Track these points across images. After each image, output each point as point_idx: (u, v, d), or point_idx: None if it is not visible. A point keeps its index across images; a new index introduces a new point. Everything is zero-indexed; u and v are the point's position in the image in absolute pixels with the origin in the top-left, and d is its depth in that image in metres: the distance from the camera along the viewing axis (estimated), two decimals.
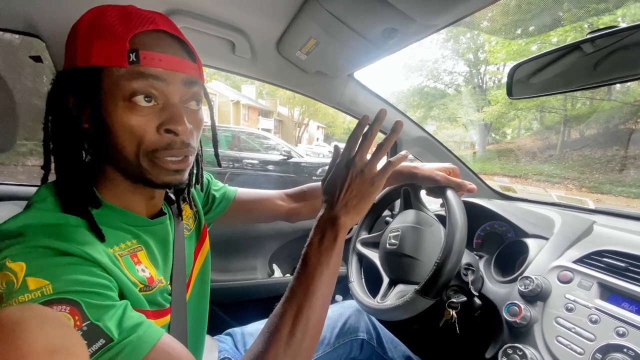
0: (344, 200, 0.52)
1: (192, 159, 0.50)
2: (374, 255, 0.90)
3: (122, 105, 0.42)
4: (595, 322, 0.57)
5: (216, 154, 0.65)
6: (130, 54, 0.41)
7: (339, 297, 1.47)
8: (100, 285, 0.38)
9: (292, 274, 1.43)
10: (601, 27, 0.67)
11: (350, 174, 0.53)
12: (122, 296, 0.41)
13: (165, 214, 0.57)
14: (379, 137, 0.56)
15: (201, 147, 0.62)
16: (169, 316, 0.52)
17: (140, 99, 0.43)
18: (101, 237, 0.43)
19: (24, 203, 0.47)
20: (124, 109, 0.42)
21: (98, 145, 0.47)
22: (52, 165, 0.47)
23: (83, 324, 0.34)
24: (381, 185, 0.54)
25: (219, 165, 0.67)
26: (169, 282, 0.53)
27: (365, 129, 0.55)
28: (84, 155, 0.48)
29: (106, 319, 0.35)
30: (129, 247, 0.47)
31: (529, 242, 0.81)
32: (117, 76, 0.42)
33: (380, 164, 0.55)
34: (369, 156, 0.55)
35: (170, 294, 0.53)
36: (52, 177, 0.48)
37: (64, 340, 0.26)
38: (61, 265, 0.36)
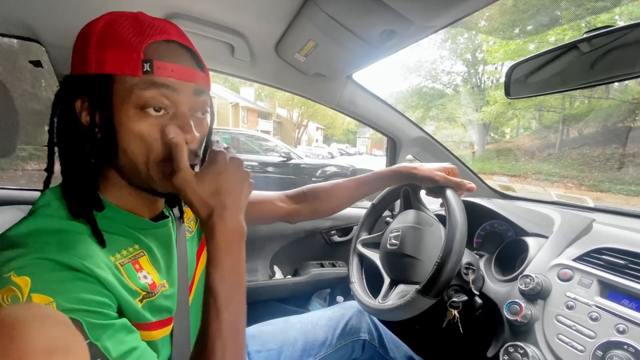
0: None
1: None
2: (374, 256, 0.90)
3: (134, 113, 0.43)
4: (595, 319, 0.58)
5: None
6: (145, 64, 0.42)
7: (340, 298, 1.47)
8: (101, 304, 0.38)
9: (293, 276, 1.44)
10: (598, 25, 0.67)
11: None
12: (120, 312, 0.42)
13: (168, 216, 0.57)
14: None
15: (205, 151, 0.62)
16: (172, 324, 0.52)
17: (151, 108, 0.44)
18: (102, 243, 0.43)
19: (25, 207, 0.48)
20: (135, 116, 0.43)
21: (105, 150, 0.47)
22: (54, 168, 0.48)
23: None
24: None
25: None
26: (172, 286, 0.53)
27: None
28: (90, 159, 0.49)
29: (104, 339, 0.36)
30: (130, 254, 0.47)
31: (529, 240, 0.81)
32: (130, 85, 0.43)
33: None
34: None
35: (172, 297, 0.53)
36: (54, 181, 0.48)
37: (63, 340, 0.26)
38: (65, 281, 0.36)
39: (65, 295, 0.35)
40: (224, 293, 0.44)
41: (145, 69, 0.42)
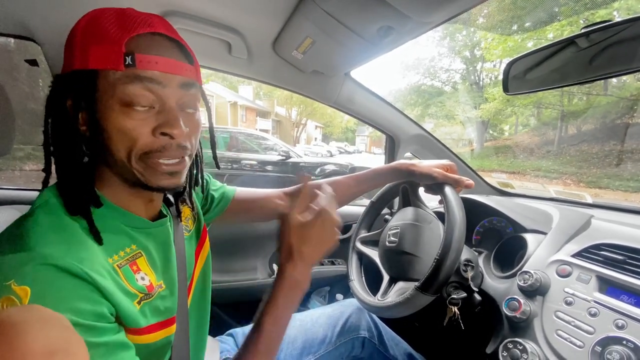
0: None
1: (188, 160, 0.50)
2: (373, 254, 0.90)
3: (118, 109, 0.42)
4: (594, 315, 0.58)
5: (214, 156, 0.65)
6: (127, 57, 0.41)
7: (339, 296, 1.48)
8: (97, 316, 0.38)
9: None
10: (597, 21, 0.67)
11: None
12: (118, 318, 0.42)
13: (166, 216, 0.57)
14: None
15: (201, 149, 0.61)
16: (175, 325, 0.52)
17: (136, 103, 0.43)
18: (99, 240, 0.43)
19: (23, 207, 0.47)
20: (120, 112, 0.43)
21: (94, 148, 0.47)
22: (52, 168, 0.47)
23: None
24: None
25: (218, 167, 0.67)
26: (169, 286, 0.53)
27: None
28: (83, 157, 0.48)
29: (96, 356, 0.36)
30: (128, 255, 0.47)
31: (528, 237, 0.81)
32: (113, 79, 0.42)
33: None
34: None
35: (170, 297, 0.53)
36: (52, 180, 0.48)
37: (64, 342, 0.26)
38: (64, 290, 0.36)
39: (64, 306, 0.35)
40: (268, 335, 0.50)
41: (127, 62, 0.41)
